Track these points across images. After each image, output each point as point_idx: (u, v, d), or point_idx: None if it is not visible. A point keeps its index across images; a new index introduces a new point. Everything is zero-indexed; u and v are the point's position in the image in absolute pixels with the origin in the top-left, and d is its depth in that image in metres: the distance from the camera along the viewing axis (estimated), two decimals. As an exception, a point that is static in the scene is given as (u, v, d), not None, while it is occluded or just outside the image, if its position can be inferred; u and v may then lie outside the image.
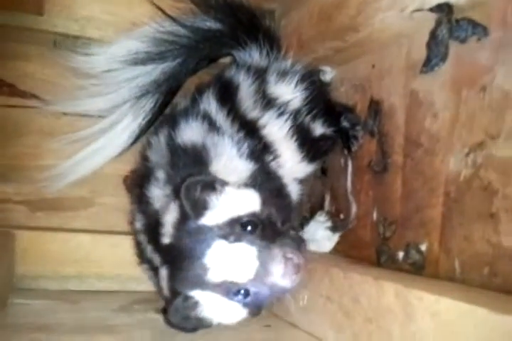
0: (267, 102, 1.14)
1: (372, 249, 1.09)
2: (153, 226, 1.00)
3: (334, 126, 1.22)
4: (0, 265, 1.03)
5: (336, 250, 1.22)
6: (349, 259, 1.14)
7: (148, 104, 1.22)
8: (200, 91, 1.20)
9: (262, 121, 1.13)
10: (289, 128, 1.14)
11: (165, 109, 1.28)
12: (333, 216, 1.26)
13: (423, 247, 0.95)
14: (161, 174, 1.05)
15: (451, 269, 0.88)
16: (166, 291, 0.97)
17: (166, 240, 0.94)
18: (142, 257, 1.12)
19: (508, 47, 0.81)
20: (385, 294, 0.81)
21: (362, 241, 1.13)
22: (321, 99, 1.21)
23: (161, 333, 0.99)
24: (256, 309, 0.95)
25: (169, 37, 1.21)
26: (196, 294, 0.90)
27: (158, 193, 1.04)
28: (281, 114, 1.14)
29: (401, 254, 1.00)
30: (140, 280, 1.29)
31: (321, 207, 1.32)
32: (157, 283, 1.02)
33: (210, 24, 1.24)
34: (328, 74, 1.30)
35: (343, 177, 1.23)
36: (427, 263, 0.94)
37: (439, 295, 0.71)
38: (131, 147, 1.28)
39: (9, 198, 1.35)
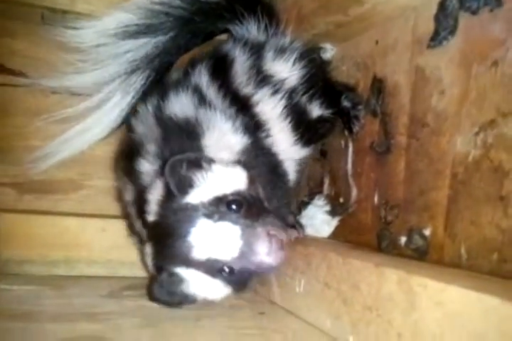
0: (262, 79, 1.10)
1: (373, 234, 1.05)
2: (141, 202, 0.98)
3: (333, 107, 1.17)
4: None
5: (335, 235, 1.18)
6: (348, 244, 1.09)
7: (138, 81, 1.16)
8: (193, 63, 1.15)
9: (255, 98, 1.08)
10: (283, 108, 1.09)
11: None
12: (332, 199, 1.21)
13: (427, 232, 0.90)
14: (151, 147, 1.01)
15: (456, 255, 0.83)
16: (150, 267, 0.98)
17: (150, 218, 0.94)
18: (132, 230, 1.11)
19: (523, 18, 0.76)
20: (387, 281, 0.76)
21: (362, 226, 1.09)
22: (319, 78, 1.16)
23: (150, 321, 0.95)
24: (240, 286, 0.96)
25: (163, 8, 1.14)
26: (181, 271, 0.91)
27: (148, 168, 1.00)
28: (275, 92, 1.09)
29: (403, 239, 0.95)
30: (131, 266, 1.25)
31: (319, 191, 1.27)
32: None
33: None
34: (328, 51, 1.24)
35: (343, 159, 1.18)
36: (431, 248, 0.89)
37: (445, 282, 0.66)
38: (121, 126, 1.22)
39: (-4, 180, 1.31)
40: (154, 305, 1.04)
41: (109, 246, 1.24)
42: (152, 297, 0.98)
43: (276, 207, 1.05)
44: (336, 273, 0.90)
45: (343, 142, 1.19)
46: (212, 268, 0.89)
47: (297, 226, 1.18)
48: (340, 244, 1.11)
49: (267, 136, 1.08)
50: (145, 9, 1.14)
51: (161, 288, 0.95)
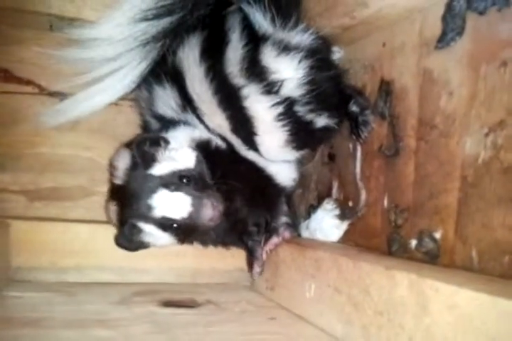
0: (258, 72, 1.05)
1: (382, 238, 1.04)
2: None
3: (341, 116, 1.13)
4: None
5: (345, 239, 1.17)
6: (358, 248, 1.08)
7: (153, 51, 1.14)
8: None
9: (245, 91, 1.05)
10: (279, 116, 1.05)
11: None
12: (341, 203, 1.20)
13: (437, 235, 0.89)
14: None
15: (467, 258, 0.82)
16: (114, 220, 1.17)
17: (118, 181, 1.14)
18: None
19: (531, 18, 0.75)
20: (398, 285, 0.75)
21: (372, 230, 1.08)
22: (327, 83, 1.09)
23: (161, 327, 0.94)
24: (182, 240, 1.16)
25: None
26: (140, 224, 1.10)
27: None
28: (269, 93, 1.05)
29: (414, 243, 0.94)
30: (141, 272, 1.25)
31: (328, 195, 1.26)
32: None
33: None
34: (335, 54, 1.22)
35: (352, 162, 1.17)
36: (442, 251, 0.88)
37: (458, 286, 0.65)
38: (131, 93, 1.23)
39: (6, 187, 1.31)
40: (165, 311, 1.05)
41: (119, 253, 1.22)
42: (116, 243, 1.15)
43: (257, 206, 1.20)
44: (347, 277, 0.89)
45: (351, 145, 1.18)
46: (165, 225, 1.10)
47: (284, 227, 1.23)
48: (350, 248, 1.10)
49: (253, 134, 1.09)
50: None
51: (124, 236, 1.13)
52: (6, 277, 1.13)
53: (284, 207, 1.26)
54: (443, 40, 0.92)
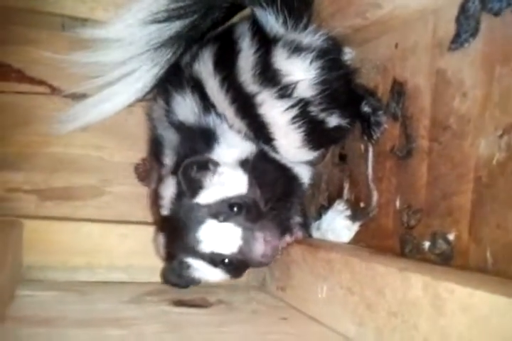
0: (270, 78, 1.04)
1: (395, 239, 1.03)
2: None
3: (353, 116, 1.13)
4: (7, 255, 0.99)
5: (356, 240, 1.16)
6: (370, 249, 1.08)
7: (165, 55, 1.15)
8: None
9: (259, 98, 1.04)
10: (294, 118, 1.05)
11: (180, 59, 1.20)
12: (352, 204, 1.20)
13: (451, 236, 0.89)
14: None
15: (482, 260, 0.82)
16: (162, 253, 1.13)
17: (164, 212, 1.09)
18: None
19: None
20: (412, 286, 0.75)
21: (384, 231, 1.07)
22: (339, 83, 1.09)
23: (174, 326, 0.95)
24: (236, 275, 1.10)
25: None
26: (189, 260, 1.05)
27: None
28: (283, 96, 1.04)
29: (427, 244, 0.94)
30: (152, 271, 1.25)
31: (339, 195, 1.26)
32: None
33: None
34: (346, 55, 1.22)
35: (364, 163, 1.16)
36: (456, 253, 0.88)
37: (473, 288, 0.65)
38: (145, 97, 1.23)
39: (18, 187, 1.32)
40: (177, 310, 1.05)
41: (130, 252, 1.24)
42: (165, 279, 1.14)
43: (282, 208, 1.16)
44: (360, 278, 0.89)
45: (362, 146, 1.18)
46: (215, 260, 1.03)
47: (297, 228, 1.22)
48: (362, 249, 1.09)
49: (271, 139, 1.08)
50: None
51: (173, 272, 1.11)
52: (18, 276, 1.14)
53: (298, 207, 1.25)
54: (456, 41, 0.91)
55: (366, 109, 1.13)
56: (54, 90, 1.34)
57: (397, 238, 1.03)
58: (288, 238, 1.18)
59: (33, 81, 1.34)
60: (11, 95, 1.32)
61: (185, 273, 1.08)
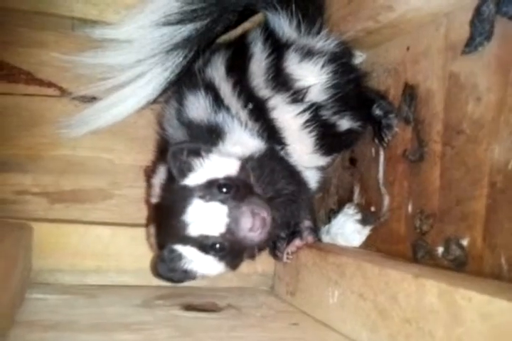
0: (283, 82, 1.05)
1: (407, 244, 1.02)
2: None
3: (364, 119, 1.13)
4: (17, 259, 0.99)
5: (366, 244, 1.16)
6: (382, 254, 1.07)
7: (177, 58, 1.14)
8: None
9: (271, 103, 1.05)
10: (306, 122, 1.06)
11: (193, 64, 1.20)
12: (363, 208, 1.19)
13: (465, 242, 0.88)
14: None
15: (496, 266, 0.81)
16: (154, 246, 1.08)
17: (154, 200, 1.06)
18: None
19: None
20: (427, 293, 0.74)
21: (395, 236, 1.07)
22: (350, 87, 1.11)
23: (185, 331, 0.94)
24: (231, 263, 1.03)
25: None
26: (179, 248, 0.99)
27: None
28: (296, 101, 1.05)
29: (440, 250, 0.93)
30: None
31: (349, 199, 1.25)
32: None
33: None
34: (357, 58, 1.22)
35: (375, 167, 1.16)
36: (470, 259, 0.87)
37: (491, 295, 0.64)
38: (156, 100, 1.22)
39: (27, 189, 1.31)
40: (187, 314, 1.04)
41: (140, 255, 1.23)
42: (156, 273, 1.05)
43: (288, 210, 1.12)
44: (372, 283, 0.88)
45: (373, 150, 1.17)
46: (205, 245, 0.97)
47: (307, 232, 1.20)
48: (374, 253, 1.09)
49: (283, 144, 1.08)
50: None
51: (164, 264, 1.02)
52: (28, 279, 1.13)
53: (307, 211, 1.25)
54: (470, 45, 0.90)
55: (377, 111, 1.13)
56: (63, 92, 1.34)
57: (409, 243, 1.02)
58: (298, 242, 1.18)
59: (42, 83, 1.34)
60: (20, 97, 1.31)
61: (177, 265, 1.01)
